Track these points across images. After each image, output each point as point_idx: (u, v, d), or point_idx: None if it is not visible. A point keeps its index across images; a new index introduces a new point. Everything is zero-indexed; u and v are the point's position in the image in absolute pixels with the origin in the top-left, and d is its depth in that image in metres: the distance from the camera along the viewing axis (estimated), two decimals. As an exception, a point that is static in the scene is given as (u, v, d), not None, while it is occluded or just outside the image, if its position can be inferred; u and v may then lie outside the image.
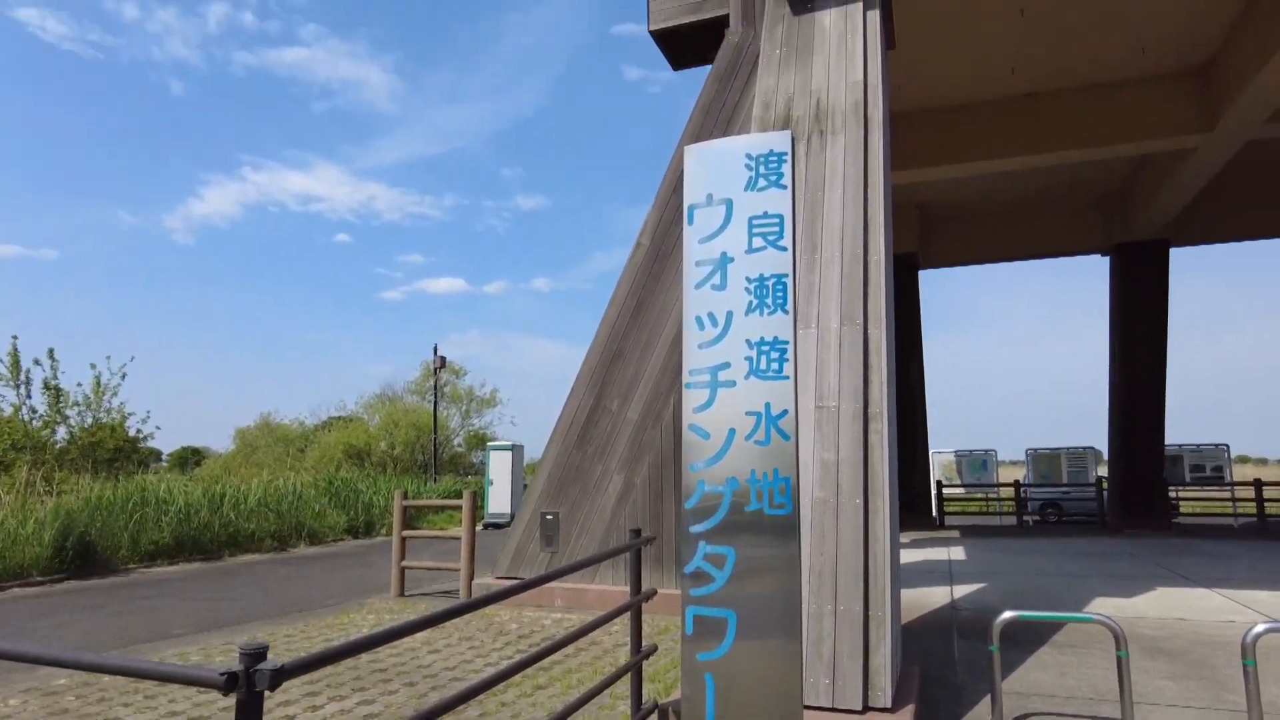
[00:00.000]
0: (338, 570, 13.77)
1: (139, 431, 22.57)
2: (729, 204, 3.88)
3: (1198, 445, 22.82)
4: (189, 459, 45.96)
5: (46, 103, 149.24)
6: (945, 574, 11.21)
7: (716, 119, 9.04)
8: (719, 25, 9.38)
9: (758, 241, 3.72)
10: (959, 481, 25.72)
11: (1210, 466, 22.60)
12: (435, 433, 35.08)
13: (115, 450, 21.44)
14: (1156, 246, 18.39)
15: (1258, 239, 18.43)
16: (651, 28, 9.85)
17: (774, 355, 3.56)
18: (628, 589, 4.81)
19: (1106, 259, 19.61)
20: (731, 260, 3.82)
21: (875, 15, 7.26)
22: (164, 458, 46.51)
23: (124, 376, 21.70)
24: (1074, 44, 12.45)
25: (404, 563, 10.34)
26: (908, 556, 13.10)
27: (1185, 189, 15.63)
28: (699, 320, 3.83)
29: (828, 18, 7.37)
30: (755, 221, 3.78)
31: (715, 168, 3.89)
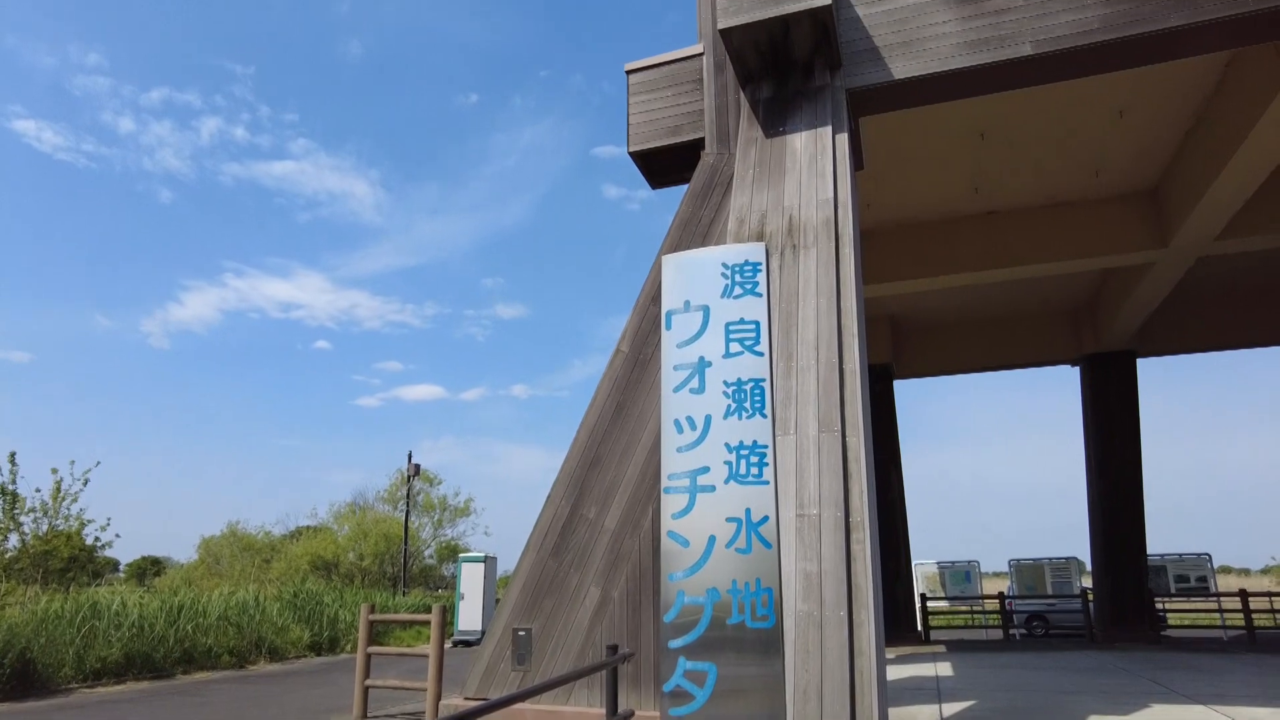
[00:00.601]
0: (298, 689, 13.00)
1: (96, 540, 21.67)
2: (706, 310, 3.95)
3: (1180, 555, 22.68)
4: (148, 569, 44.09)
5: (36, 209, 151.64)
6: (933, 691, 10.81)
7: (693, 234, 9.32)
8: (695, 147, 9.82)
9: (735, 347, 3.77)
10: (943, 594, 25.21)
11: (1194, 577, 22.40)
12: (406, 543, 34.07)
13: (69, 560, 20.52)
14: (1124, 358, 18.86)
15: (1219, 350, 18.98)
16: (631, 149, 10.29)
17: (753, 459, 3.54)
18: (604, 710, 4.58)
19: (1077, 369, 20.06)
20: (710, 365, 3.86)
21: (844, 137, 7.66)
22: (121, 568, 44.60)
23: (86, 483, 21.00)
24: (1032, 166, 13.18)
25: (368, 682, 9.80)
26: (893, 673, 12.65)
27: (1145, 302, 16.21)
28: (678, 424, 3.82)
29: (798, 140, 7.76)
30: (732, 327, 3.85)
31: (692, 276, 3.99)
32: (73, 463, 24.46)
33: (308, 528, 42.09)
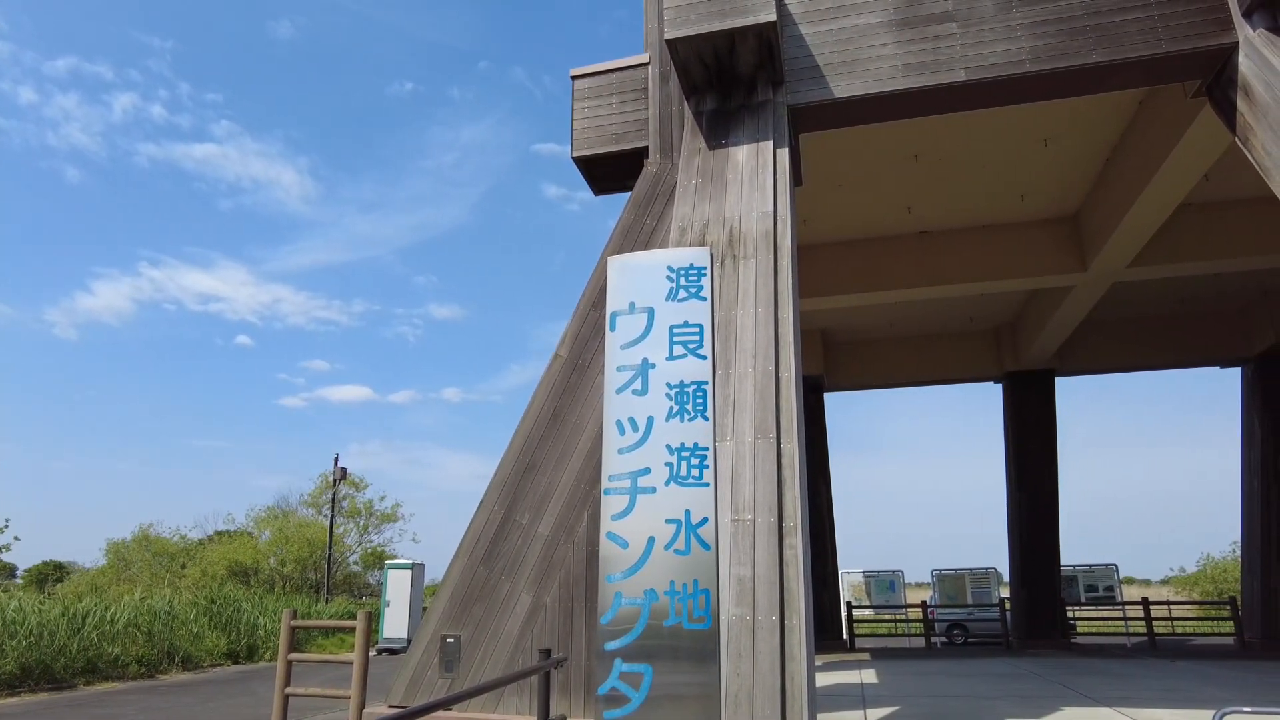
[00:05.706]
0: (213, 699, 12.46)
1: (-7, 543, 20.38)
2: (650, 313, 3.98)
3: (1090, 565, 23.77)
4: (50, 575, 41.66)
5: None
6: (858, 698, 11.03)
7: (635, 241, 9.34)
8: (638, 155, 9.86)
9: (678, 349, 3.81)
10: (868, 602, 25.81)
11: (1102, 586, 23.51)
12: (330, 549, 33.06)
13: (-39, 565, 19.26)
14: (1043, 376, 19.71)
15: (1131, 371, 20.04)
16: (574, 154, 10.27)
17: (694, 461, 3.58)
18: (535, 717, 4.53)
19: (1000, 386, 20.86)
20: (653, 366, 3.88)
21: (784, 153, 7.81)
22: (19, 574, 42.06)
23: (-16, 482, 19.76)
24: (962, 188, 13.68)
25: (288, 690, 9.45)
26: (820, 680, 12.87)
27: (1064, 324, 16.99)
28: (620, 425, 3.83)
29: (741, 153, 7.88)
30: (676, 330, 3.88)
31: (637, 278, 4.02)
32: (-32, 461, 22.96)
33: (225, 532, 40.46)
